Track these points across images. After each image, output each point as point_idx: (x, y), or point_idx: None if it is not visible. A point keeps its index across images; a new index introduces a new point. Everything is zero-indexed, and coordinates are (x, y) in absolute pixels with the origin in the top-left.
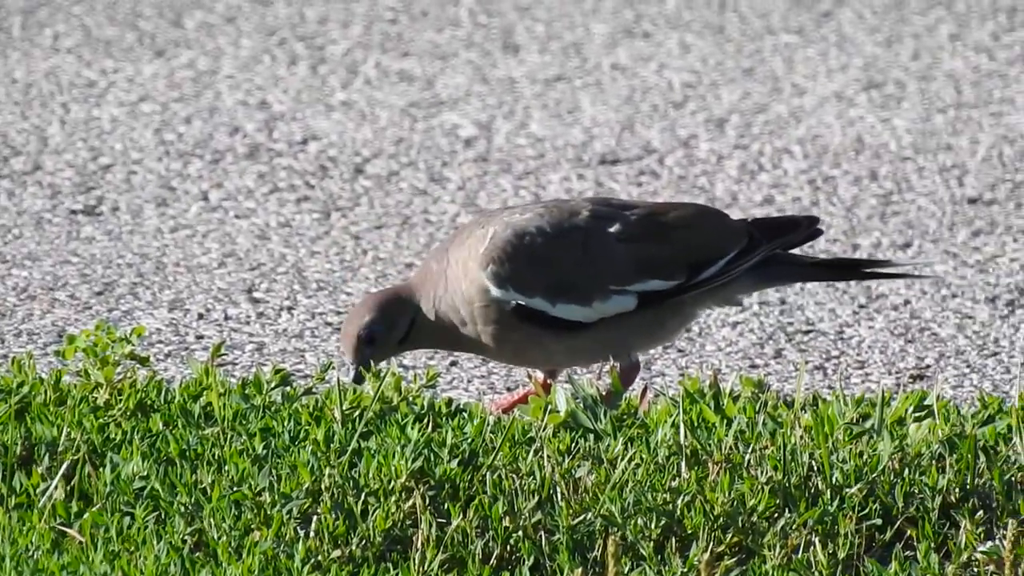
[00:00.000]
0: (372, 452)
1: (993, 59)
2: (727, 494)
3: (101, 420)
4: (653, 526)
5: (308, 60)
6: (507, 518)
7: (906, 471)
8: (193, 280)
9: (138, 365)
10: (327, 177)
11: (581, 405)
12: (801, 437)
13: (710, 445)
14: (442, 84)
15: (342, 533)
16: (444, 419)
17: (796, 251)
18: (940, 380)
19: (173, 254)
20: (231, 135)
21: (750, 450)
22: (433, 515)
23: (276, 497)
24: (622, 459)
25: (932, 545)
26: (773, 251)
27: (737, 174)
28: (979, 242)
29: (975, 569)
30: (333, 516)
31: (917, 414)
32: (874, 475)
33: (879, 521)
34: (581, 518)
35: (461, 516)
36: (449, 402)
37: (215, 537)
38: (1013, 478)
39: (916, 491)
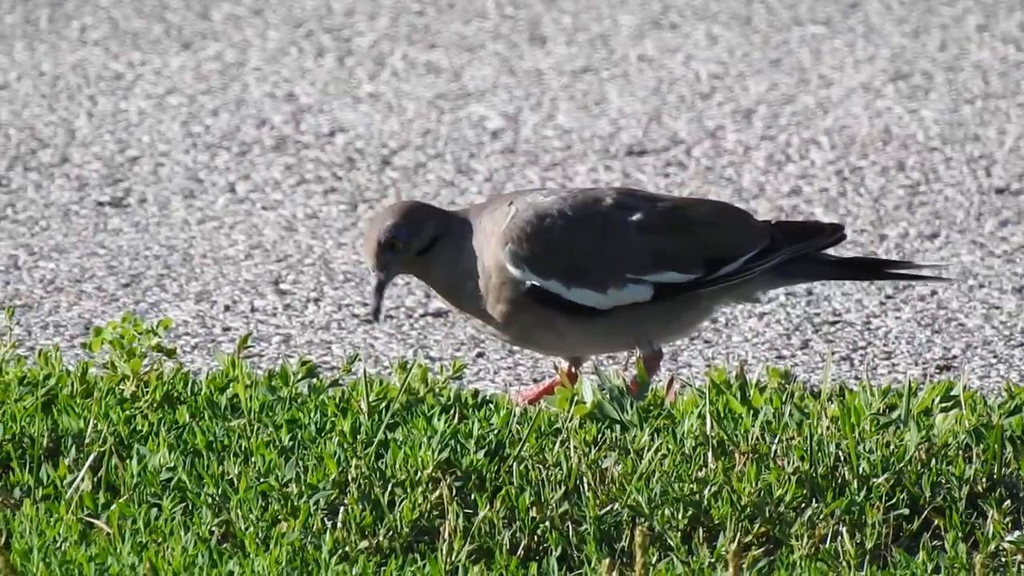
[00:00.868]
0: (399, 443)
1: (1021, 50)
2: (754, 484)
3: (128, 412)
4: (680, 516)
5: (335, 52)
6: (534, 509)
7: (933, 461)
8: (220, 272)
9: (165, 357)
10: (354, 169)
11: (607, 396)
12: (828, 428)
13: (737, 436)
14: (469, 76)
15: (369, 524)
16: (471, 410)
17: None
18: (967, 370)
19: (200, 246)
20: (258, 127)
21: (777, 440)
22: (460, 506)
23: (303, 488)
24: (649, 450)
25: (960, 535)
26: (794, 254)
27: (764, 165)
28: (1006, 232)
29: (1003, 559)
30: (360, 507)
31: (944, 404)
32: (901, 465)
33: (906, 511)
34: (608, 508)
35: (488, 507)
36: (475, 393)
37: (242, 528)
38: None
39: (943, 481)
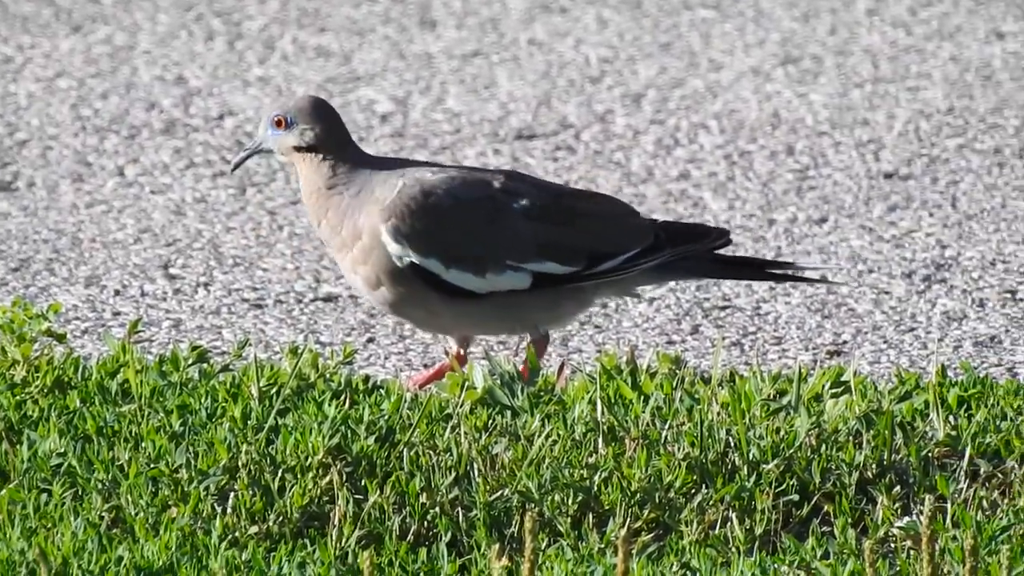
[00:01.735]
0: (289, 429)
1: (910, 34)
2: (644, 470)
3: (18, 397)
4: (570, 502)
5: (225, 36)
6: (424, 494)
7: (823, 447)
8: (109, 256)
9: (55, 342)
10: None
11: (498, 381)
12: (718, 413)
13: (627, 421)
14: (359, 59)
15: (259, 510)
16: (361, 396)
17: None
18: (857, 356)
19: (89, 230)
20: (147, 110)
21: (667, 426)
22: (350, 491)
23: (193, 474)
24: (539, 435)
25: (849, 521)
26: (676, 256)
27: (653, 149)
28: (895, 217)
29: (892, 545)
30: (250, 493)
31: (834, 390)
32: (791, 451)
33: (796, 497)
34: (498, 494)
35: (378, 492)
36: (366, 379)
37: (132, 513)
38: (930, 454)
39: (833, 467)
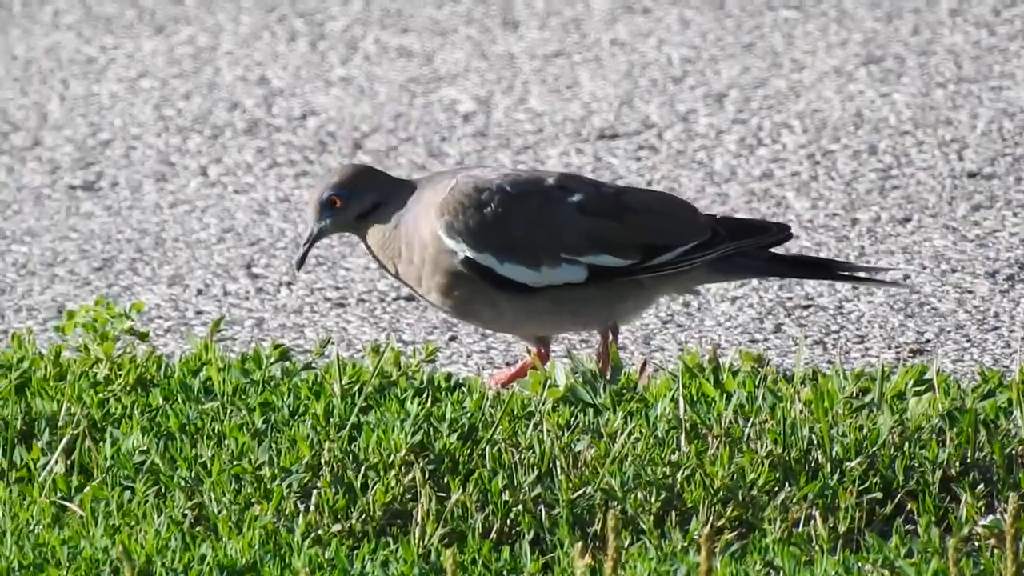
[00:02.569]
0: (371, 426)
1: (993, 34)
2: (727, 468)
3: (101, 395)
4: (653, 500)
5: (307, 36)
6: (507, 492)
7: (906, 445)
8: (192, 255)
9: (137, 340)
10: (326, 152)
11: (580, 379)
12: (801, 411)
13: (709, 419)
14: (441, 60)
15: (342, 507)
16: (443, 393)
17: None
18: (940, 354)
19: (172, 229)
20: (230, 111)
21: (750, 424)
22: (433, 489)
23: (276, 471)
24: (621, 433)
25: (933, 519)
26: (735, 250)
27: (736, 149)
28: (979, 216)
29: (976, 543)
30: (333, 490)
31: (917, 388)
32: (874, 449)
33: (879, 495)
34: (581, 492)
35: (461, 490)
36: (448, 377)
37: (215, 511)
38: (1013, 452)
39: (916, 465)
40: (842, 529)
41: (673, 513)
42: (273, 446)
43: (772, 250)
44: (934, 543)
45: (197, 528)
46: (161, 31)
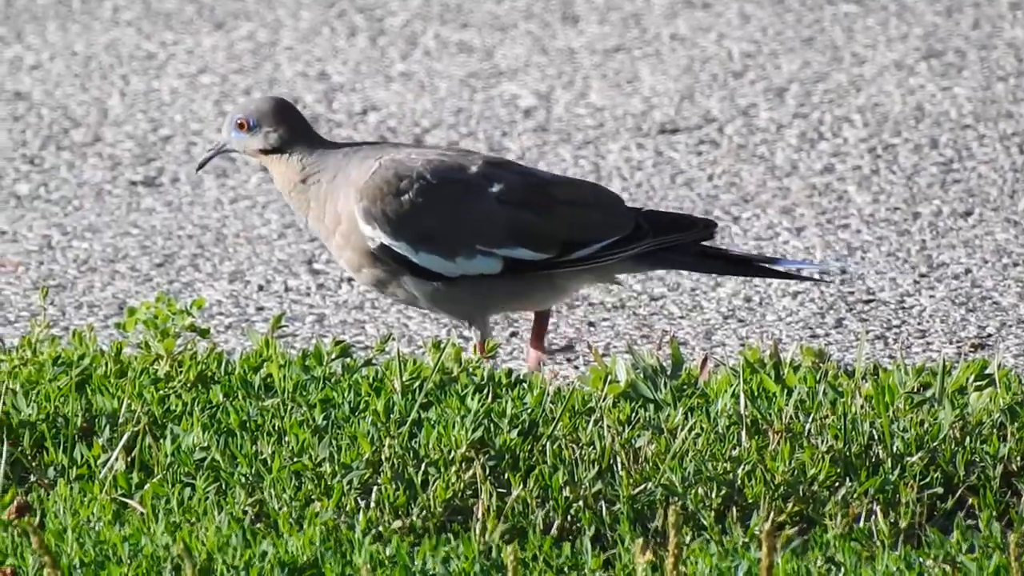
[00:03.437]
0: (432, 423)
1: None
2: (788, 463)
3: (162, 392)
4: (714, 496)
5: (367, 32)
6: (567, 488)
7: (967, 439)
8: (253, 251)
9: (198, 337)
10: None
11: (641, 375)
12: (862, 406)
13: (770, 414)
14: (501, 55)
15: (402, 504)
16: (504, 389)
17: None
18: (1001, 349)
19: (233, 225)
20: None
21: (811, 419)
22: (493, 485)
23: (336, 468)
24: (682, 429)
25: (994, 514)
26: (656, 247)
27: (797, 143)
28: None
29: None
30: (393, 487)
31: (978, 383)
32: (935, 444)
33: (940, 490)
34: (642, 488)
35: (521, 486)
36: (509, 372)
37: (276, 508)
38: None
39: (977, 459)
40: (903, 524)
41: (734, 509)
42: (333, 443)
43: (700, 244)
44: (995, 538)
45: (257, 525)
46: (221, 26)
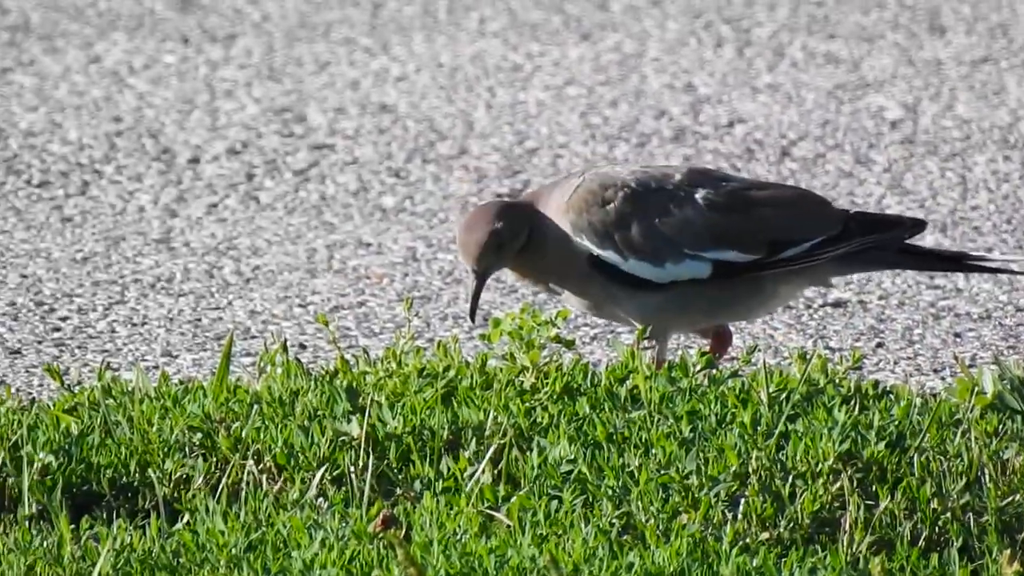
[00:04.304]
0: (799, 435)
1: None
2: None
3: (528, 404)
4: None
5: (734, 43)
6: (935, 500)
7: None
8: None
9: (564, 348)
10: (753, 160)
11: (1008, 386)
12: None
13: None
14: (868, 66)
15: (770, 515)
16: (871, 401)
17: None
18: None
19: None
20: (657, 118)
21: None
22: (861, 497)
23: (704, 480)
24: None
25: None
26: (864, 245)
27: None
28: None
29: None
30: (761, 499)
31: None
32: None
33: None
34: (1009, 500)
35: (889, 498)
36: (875, 384)
37: (643, 520)
38: None
39: None
40: None
41: None
42: (701, 455)
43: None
44: None
45: (624, 537)
46: (587, 38)
